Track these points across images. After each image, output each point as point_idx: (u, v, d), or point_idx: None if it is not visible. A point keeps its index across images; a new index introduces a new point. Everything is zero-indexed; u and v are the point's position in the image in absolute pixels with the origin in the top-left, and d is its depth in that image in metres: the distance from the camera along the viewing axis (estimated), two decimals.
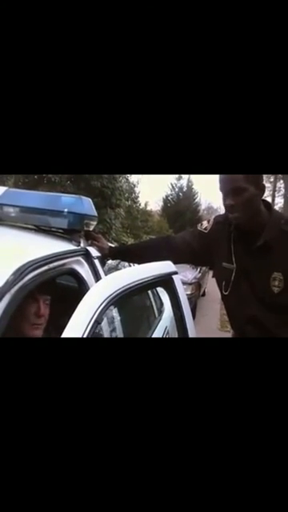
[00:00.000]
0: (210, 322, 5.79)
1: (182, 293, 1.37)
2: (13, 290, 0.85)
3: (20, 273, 0.89)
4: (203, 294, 7.68)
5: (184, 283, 5.77)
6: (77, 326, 0.77)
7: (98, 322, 0.82)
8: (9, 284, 0.84)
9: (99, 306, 0.84)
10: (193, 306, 5.89)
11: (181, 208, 21.96)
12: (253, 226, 1.21)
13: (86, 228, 1.40)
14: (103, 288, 0.90)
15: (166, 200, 23.48)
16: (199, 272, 6.77)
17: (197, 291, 6.29)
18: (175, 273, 1.35)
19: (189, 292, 5.73)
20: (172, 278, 1.33)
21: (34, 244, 1.20)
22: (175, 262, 1.32)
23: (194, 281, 6.12)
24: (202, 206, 26.55)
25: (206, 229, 1.36)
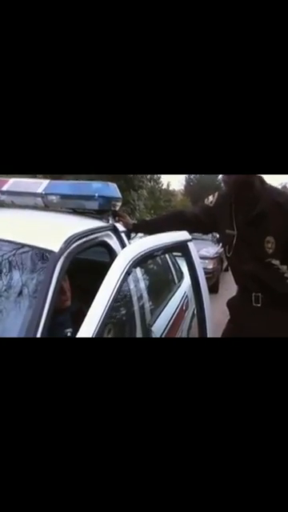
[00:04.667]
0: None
1: (197, 258, 1.66)
2: (65, 254, 1.17)
3: (68, 242, 1.21)
4: (226, 269, 7.85)
5: (206, 258, 5.97)
6: (113, 275, 1.08)
7: (128, 272, 1.13)
8: (62, 250, 1.17)
9: (128, 263, 1.15)
10: (215, 281, 6.08)
11: (203, 186, 21.89)
12: (249, 199, 1.49)
13: (113, 208, 1.71)
14: (130, 251, 1.20)
15: (188, 179, 23.52)
16: (221, 247, 6.90)
17: (219, 265, 6.47)
18: (190, 240, 1.63)
19: (211, 266, 5.93)
20: (187, 245, 1.62)
21: (74, 222, 1.53)
22: (189, 232, 1.61)
23: (215, 255, 6.30)
24: None
25: (211, 202, 1.65)
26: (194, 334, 1.71)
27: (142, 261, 1.24)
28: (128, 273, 1.12)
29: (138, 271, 1.54)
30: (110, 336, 1.37)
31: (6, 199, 1.67)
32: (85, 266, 1.52)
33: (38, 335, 0.95)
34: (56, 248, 1.16)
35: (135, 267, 1.32)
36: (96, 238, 1.44)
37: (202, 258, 5.98)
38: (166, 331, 1.70)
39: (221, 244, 1.60)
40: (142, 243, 1.28)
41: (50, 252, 1.15)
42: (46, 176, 2.74)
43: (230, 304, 1.66)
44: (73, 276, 1.38)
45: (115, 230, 1.61)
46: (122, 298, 1.44)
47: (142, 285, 1.59)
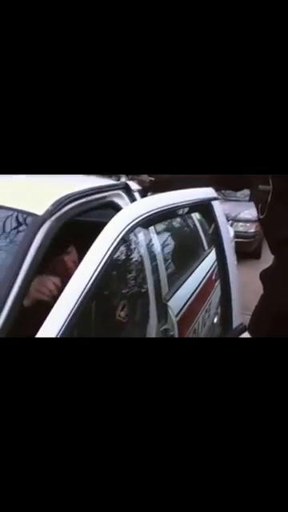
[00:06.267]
0: None
1: (223, 220, 1.40)
2: (52, 218, 0.97)
3: (59, 203, 1.01)
4: None
5: (248, 221, 5.59)
6: (103, 242, 0.87)
7: (124, 239, 0.92)
8: (48, 213, 0.97)
9: (127, 225, 0.93)
10: (257, 245, 5.72)
11: None
12: None
13: None
14: (133, 209, 0.98)
15: None
16: (258, 211, 6.43)
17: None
18: (215, 199, 1.37)
19: (253, 230, 5.56)
20: (211, 205, 1.36)
21: (74, 182, 1.31)
22: (217, 189, 1.34)
23: None
24: None
25: None
26: None
27: (153, 222, 1.02)
28: (124, 239, 0.90)
29: (154, 235, 1.32)
30: (122, 312, 1.18)
31: None
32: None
33: None
34: (40, 210, 0.96)
35: (147, 228, 1.10)
36: (101, 198, 1.22)
37: (244, 220, 5.66)
38: (188, 304, 1.47)
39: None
40: (151, 199, 1.05)
41: (32, 215, 0.95)
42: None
43: (264, 276, 1.39)
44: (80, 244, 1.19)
45: (127, 189, 1.38)
46: (130, 267, 1.24)
47: (158, 251, 1.36)
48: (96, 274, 0.84)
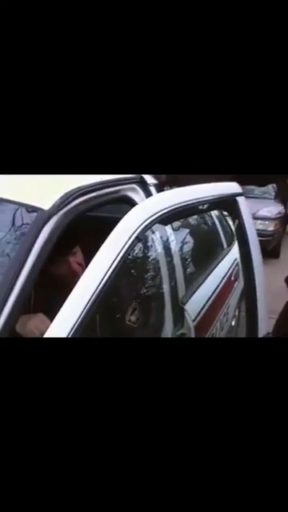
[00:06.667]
0: None
1: (249, 218, 1.29)
2: (60, 213, 0.89)
3: (67, 197, 0.92)
4: None
5: (267, 218, 5.43)
6: (115, 241, 0.78)
7: (138, 238, 0.82)
8: (55, 207, 0.88)
9: (142, 222, 0.84)
10: (276, 244, 5.56)
11: None
12: None
13: None
14: (149, 205, 0.88)
15: None
16: (285, 207, 6.28)
17: (281, 227, 5.88)
18: (240, 194, 1.26)
19: (272, 228, 5.38)
20: (236, 200, 1.25)
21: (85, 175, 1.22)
22: (242, 184, 1.23)
23: (278, 216, 5.70)
24: None
25: None
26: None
27: (171, 219, 0.93)
28: (139, 238, 0.81)
29: (171, 233, 1.22)
30: (133, 317, 1.09)
31: None
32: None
33: None
34: (46, 205, 0.87)
35: (163, 226, 1.01)
36: (114, 192, 1.13)
37: (263, 218, 5.49)
38: (206, 308, 1.37)
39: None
40: (169, 195, 0.95)
41: (38, 210, 0.87)
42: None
43: None
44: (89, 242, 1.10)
45: (143, 183, 1.28)
46: (145, 268, 1.14)
47: (175, 250, 1.26)
48: (107, 276, 0.75)
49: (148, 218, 0.88)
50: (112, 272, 0.76)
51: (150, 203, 0.91)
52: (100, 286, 0.74)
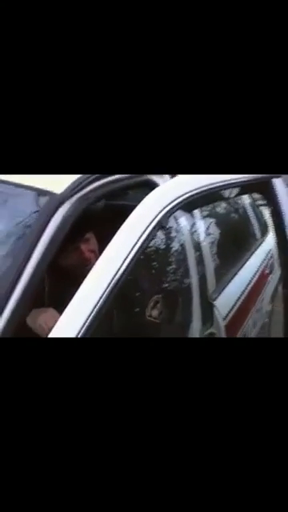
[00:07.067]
0: None
1: (285, 201, 1.15)
2: (73, 198, 0.80)
3: (82, 180, 0.83)
4: None
5: None
6: (133, 227, 0.69)
7: (161, 225, 0.72)
8: (69, 191, 0.79)
9: (163, 207, 0.73)
10: None
11: None
12: None
13: None
14: (172, 188, 0.78)
15: None
16: None
17: None
18: (277, 176, 1.13)
19: None
20: (271, 182, 1.12)
21: None
22: None
23: None
24: None
25: None
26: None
27: (198, 204, 0.83)
28: (162, 225, 0.71)
29: (199, 220, 1.11)
30: (155, 311, 0.99)
31: None
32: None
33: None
34: (59, 189, 0.79)
35: (190, 212, 0.92)
36: (136, 176, 1.03)
37: None
38: (237, 304, 1.25)
39: None
40: (192, 180, 0.84)
41: (49, 194, 0.78)
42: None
43: None
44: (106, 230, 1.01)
45: None
46: (168, 258, 1.04)
47: (203, 240, 1.15)
48: (123, 265, 0.66)
49: (170, 203, 0.78)
50: (130, 261, 0.67)
51: (171, 185, 0.80)
52: (116, 276, 0.65)
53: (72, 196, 0.80)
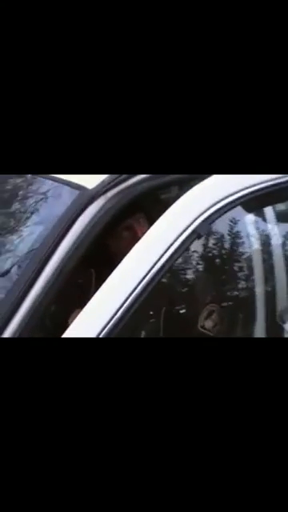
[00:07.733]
0: None
1: None
2: (108, 194, 0.71)
3: (117, 176, 0.75)
4: None
5: None
6: (159, 238, 0.56)
7: (198, 233, 0.58)
8: (101, 187, 0.71)
9: (201, 212, 0.60)
10: None
11: None
12: None
13: None
14: (214, 187, 0.64)
15: None
16: None
17: None
18: None
19: None
20: None
21: None
22: None
23: None
24: None
25: None
26: None
27: (264, 202, 0.79)
28: (198, 234, 0.58)
29: (268, 222, 0.93)
30: (209, 322, 0.88)
31: None
32: None
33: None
34: (91, 183, 0.71)
35: (258, 209, 0.87)
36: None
37: None
38: None
39: None
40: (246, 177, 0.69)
41: (81, 189, 0.70)
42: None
43: None
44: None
45: None
46: (228, 262, 0.91)
47: (276, 245, 0.97)
48: (162, 261, 0.57)
49: (225, 198, 0.63)
50: (170, 258, 0.57)
51: (224, 179, 0.66)
52: (152, 271, 0.56)
53: (106, 192, 0.72)
